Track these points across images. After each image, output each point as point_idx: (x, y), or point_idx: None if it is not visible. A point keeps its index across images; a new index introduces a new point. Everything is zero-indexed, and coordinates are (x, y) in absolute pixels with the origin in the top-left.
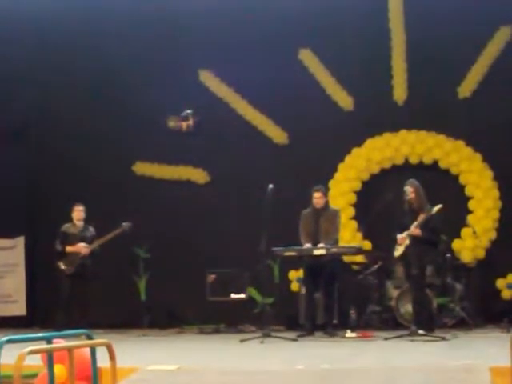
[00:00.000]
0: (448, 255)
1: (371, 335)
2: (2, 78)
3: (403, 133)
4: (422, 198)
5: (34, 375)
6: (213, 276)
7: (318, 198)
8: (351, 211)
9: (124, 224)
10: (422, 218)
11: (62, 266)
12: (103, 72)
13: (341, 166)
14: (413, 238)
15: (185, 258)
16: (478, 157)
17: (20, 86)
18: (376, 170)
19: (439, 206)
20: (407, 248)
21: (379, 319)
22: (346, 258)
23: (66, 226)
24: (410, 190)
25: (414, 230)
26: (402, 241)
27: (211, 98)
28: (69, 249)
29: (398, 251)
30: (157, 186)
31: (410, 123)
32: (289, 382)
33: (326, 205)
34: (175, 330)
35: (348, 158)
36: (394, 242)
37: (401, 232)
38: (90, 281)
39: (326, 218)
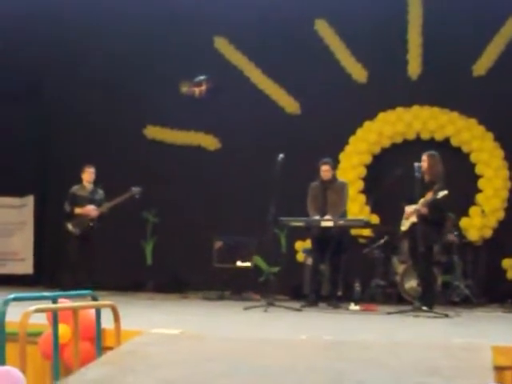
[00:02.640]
0: (455, 233)
1: (375, 309)
2: (16, 36)
3: (416, 108)
4: (436, 171)
5: (39, 333)
6: (219, 243)
7: (325, 170)
8: (360, 184)
9: (134, 189)
10: (429, 196)
11: (70, 228)
12: (118, 35)
13: (352, 139)
14: (419, 216)
15: (192, 224)
16: (490, 136)
17: (33, 45)
18: (387, 144)
19: (445, 192)
20: (413, 225)
21: (383, 293)
22: (353, 231)
23: (76, 188)
24: (423, 159)
25: (422, 208)
26: (409, 215)
27: (225, 65)
28: (77, 210)
29: (405, 226)
30: (167, 151)
31: (423, 99)
32: (291, 352)
33: (334, 178)
34: (180, 295)
35: (359, 131)
36: (401, 217)
37: (409, 203)
38: (98, 243)
39: (334, 191)
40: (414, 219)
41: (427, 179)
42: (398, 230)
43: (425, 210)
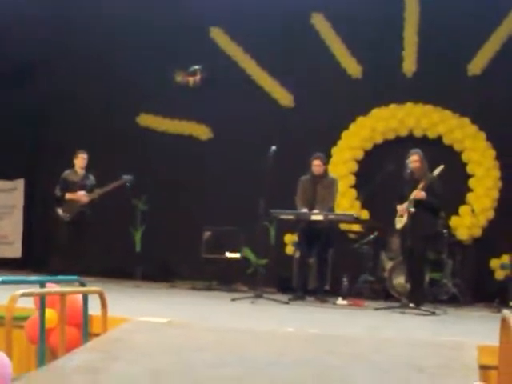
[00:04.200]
0: (444, 231)
1: (362, 304)
2: (15, 17)
3: (409, 105)
4: (425, 168)
5: (26, 318)
6: (209, 233)
7: (317, 165)
8: (351, 179)
9: (125, 177)
10: (423, 183)
11: (60, 213)
12: (115, 21)
13: (345, 134)
14: (415, 203)
15: (182, 213)
16: (482, 135)
17: (27, 30)
18: (379, 140)
19: (441, 166)
20: (408, 220)
21: (371, 289)
22: (343, 226)
23: (67, 173)
24: (415, 159)
25: (418, 192)
26: (403, 212)
27: (220, 56)
28: (68, 196)
29: (400, 223)
30: (159, 139)
31: (416, 96)
32: (276, 344)
33: (325, 172)
34: (167, 284)
35: (352, 127)
36: (392, 213)
37: (401, 202)
38: (87, 229)
39: (324, 186)
40: (412, 210)
41: (416, 176)
42: (388, 226)
43: (422, 194)
